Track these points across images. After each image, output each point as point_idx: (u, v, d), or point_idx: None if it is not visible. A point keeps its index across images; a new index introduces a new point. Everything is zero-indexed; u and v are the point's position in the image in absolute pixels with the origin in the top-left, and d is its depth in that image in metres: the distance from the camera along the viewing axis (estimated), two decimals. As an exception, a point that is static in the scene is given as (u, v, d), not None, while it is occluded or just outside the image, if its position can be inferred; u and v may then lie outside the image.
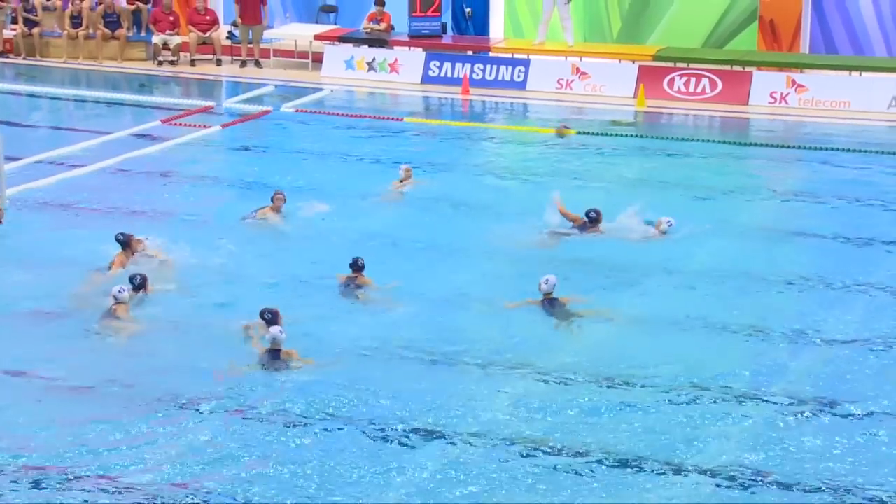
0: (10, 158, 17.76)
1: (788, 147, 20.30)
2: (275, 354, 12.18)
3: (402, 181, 17.62)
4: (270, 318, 12.59)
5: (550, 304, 13.43)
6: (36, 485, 10.12)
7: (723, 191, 18.00)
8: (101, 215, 16.71)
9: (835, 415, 11.33)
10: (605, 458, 10.56)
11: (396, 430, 10.99)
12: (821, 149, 20.04)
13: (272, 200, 16.31)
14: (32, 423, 11.12)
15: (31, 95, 23.98)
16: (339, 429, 11.03)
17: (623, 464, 10.49)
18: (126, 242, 14.58)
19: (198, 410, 11.31)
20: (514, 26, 25.41)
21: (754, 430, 11.07)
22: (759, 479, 10.27)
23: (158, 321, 13.28)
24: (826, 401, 11.58)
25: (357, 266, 14.13)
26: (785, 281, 14.51)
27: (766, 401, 11.57)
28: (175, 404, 11.46)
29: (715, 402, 11.55)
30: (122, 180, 18.28)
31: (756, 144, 20.58)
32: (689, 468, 10.41)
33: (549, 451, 10.70)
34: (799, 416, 11.30)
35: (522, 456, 10.62)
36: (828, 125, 21.62)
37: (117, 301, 13.23)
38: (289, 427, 11.03)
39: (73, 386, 11.90)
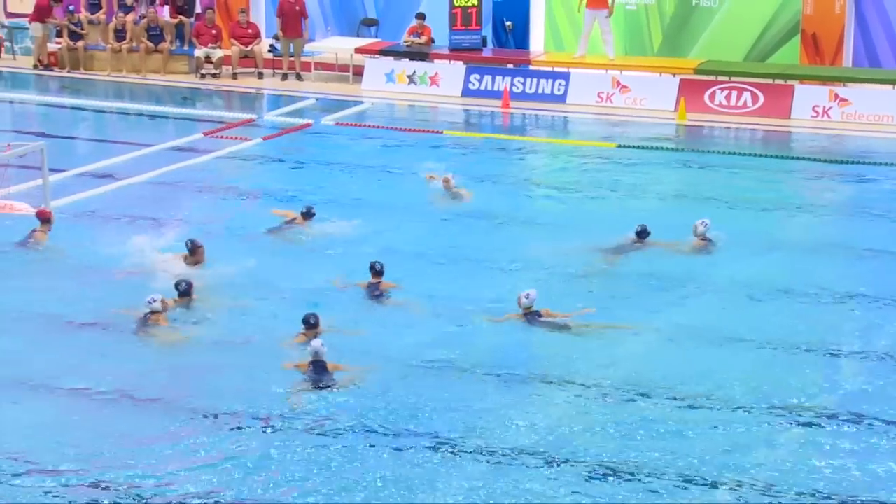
0: (54, 170, 17.93)
1: (831, 161, 20.19)
2: (320, 367, 12.18)
3: (445, 187, 17.65)
4: (314, 322, 12.77)
5: (531, 318, 13.39)
6: (65, 494, 10.19)
7: (764, 205, 17.92)
8: (143, 226, 16.82)
9: (875, 431, 11.24)
10: (636, 472, 10.53)
11: (443, 442, 11.01)
12: (864, 163, 19.91)
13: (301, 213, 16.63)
14: (66, 433, 11.24)
15: (76, 108, 24.20)
16: (386, 441, 11.06)
17: (655, 477, 10.46)
18: (193, 250, 14.93)
19: (249, 423, 11.37)
20: (555, 39, 25.41)
21: (793, 445, 11.00)
22: (794, 495, 10.21)
23: (198, 331, 13.36)
24: (867, 417, 11.49)
25: (375, 270, 14.17)
26: (827, 295, 14.42)
27: (805, 417, 11.49)
28: (214, 415, 11.52)
29: (757, 416, 11.50)
30: (165, 192, 18.41)
31: (798, 158, 20.47)
32: (729, 483, 10.36)
33: (580, 465, 10.68)
34: (839, 432, 11.22)
35: (560, 471, 10.60)
36: (871, 139, 21.48)
37: (152, 311, 13.33)
38: (328, 437, 11.07)
39: (113, 395, 11.98)
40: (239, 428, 11.29)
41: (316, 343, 12.27)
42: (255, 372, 12.36)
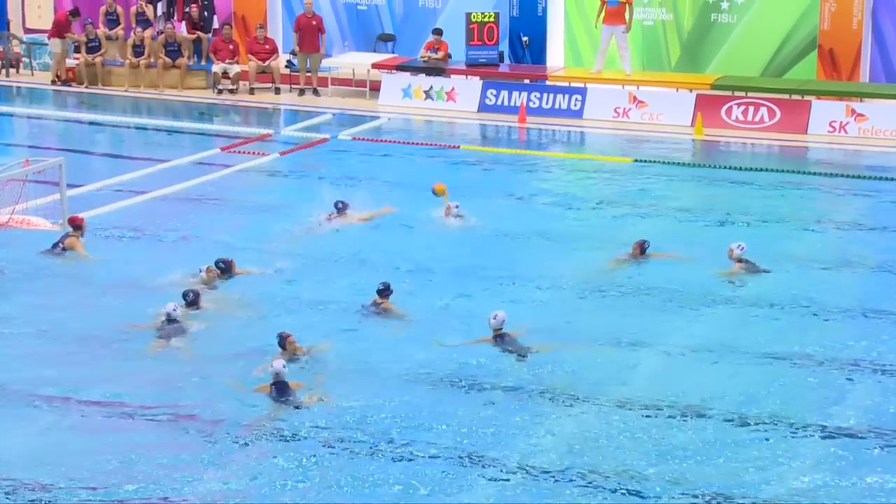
0: (72, 185, 18.00)
1: (848, 176, 20.14)
2: (282, 387, 11.99)
3: (446, 213, 17.51)
4: (280, 342, 12.77)
5: (501, 339, 13.25)
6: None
7: (781, 220, 17.89)
8: (160, 242, 16.89)
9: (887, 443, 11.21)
10: (650, 488, 10.50)
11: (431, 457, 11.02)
12: (881, 178, 19.86)
13: (335, 208, 17.21)
14: (70, 444, 11.28)
15: (93, 123, 24.30)
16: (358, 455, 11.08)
17: (665, 495, 10.43)
18: (227, 268, 15.09)
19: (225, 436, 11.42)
20: (574, 55, 25.43)
21: (810, 462, 10.96)
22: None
23: (205, 341, 13.41)
24: (884, 432, 11.44)
25: (379, 291, 14.10)
26: (844, 311, 14.38)
27: (823, 432, 11.45)
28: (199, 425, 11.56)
29: (770, 432, 11.46)
30: (182, 207, 18.46)
31: (815, 174, 20.43)
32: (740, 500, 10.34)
33: (580, 480, 10.66)
34: (857, 448, 11.18)
35: (557, 487, 10.59)
36: (888, 154, 21.43)
37: (170, 319, 13.40)
38: (297, 456, 11.08)
39: (126, 408, 12.03)
40: (213, 441, 11.30)
41: (277, 364, 12.08)
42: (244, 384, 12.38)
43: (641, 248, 15.79)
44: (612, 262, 15.78)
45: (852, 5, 23.44)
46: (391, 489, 10.49)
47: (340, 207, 17.38)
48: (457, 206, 17.43)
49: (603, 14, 23.94)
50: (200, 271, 14.98)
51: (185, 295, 14.02)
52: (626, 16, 23.87)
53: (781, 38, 24.18)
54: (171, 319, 13.46)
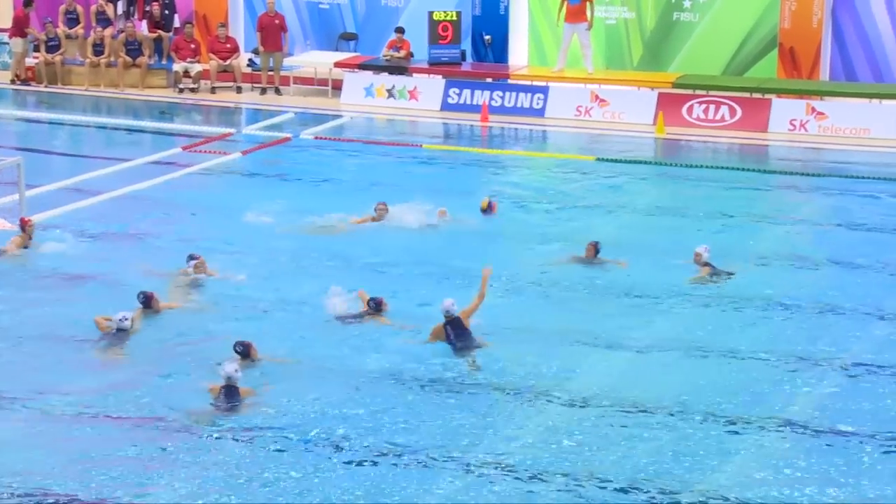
0: (31, 185, 17.86)
1: (808, 175, 20.26)
2: (231, 391, 11.87)
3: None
4: (241, 350, 12.62)
5: (452, 325, 13.22)
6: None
7: (741, 217, 17.97)
8: (121, 242, 16.78)
9: (847, 441, 11.27)
10: (609, 484, 10.53)
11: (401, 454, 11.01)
12: (841, 176, 19.99)
13: (375, 211, 16.99)
14: (28, 448, 11.19)
15: (53, 123, 24.13)
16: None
17: (626, 490, 10.46)
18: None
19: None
20: (539, 53, 25.47)
21: (769, 458, 11.02)
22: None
23: (158, 343, 13.33)
24: (837, 427, 11.51)
25: (370, 306, 13.99)
26: (802, 306, 14.46)
27: (773, 428, 11.52)
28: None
29: (721, 428, 11.51)
30: (143, 207, 18.35)
31: (776, 172, 20.54)
32: (696, 495, 10.37)
33: (544, 478, 10.67)
34: (809, 442, 11.24)
35: (516, 485, 10.60)
36: (848, 152, 21.58)
37: (120, 328, 13.29)
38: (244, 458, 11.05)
39: (73, 410, 11.95)
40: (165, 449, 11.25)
41: (229, 368, 11.94)
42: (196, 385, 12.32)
43: (595, 250, 15.71)
44: (571, 260, 15.78)
45: (812, 4, 23.58)
46: (355, 492, 10.44)
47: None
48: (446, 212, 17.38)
49: (564, 12, 23.97)
50: (189, 262, 14.90)
51: (138, 296, 13.90)
52: (588, 14, 23.91)
53: (742, 37, 24.30)
54: (121, 329, 13.30)
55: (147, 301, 13.93)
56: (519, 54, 25.66)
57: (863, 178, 19.84)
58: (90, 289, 14.94)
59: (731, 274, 15.29)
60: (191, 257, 15.08)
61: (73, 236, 16.95)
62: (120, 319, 13.29)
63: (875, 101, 22.86)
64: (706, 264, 15.31)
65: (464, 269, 15.43)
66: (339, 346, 13.32)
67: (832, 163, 21.04)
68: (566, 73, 24.45)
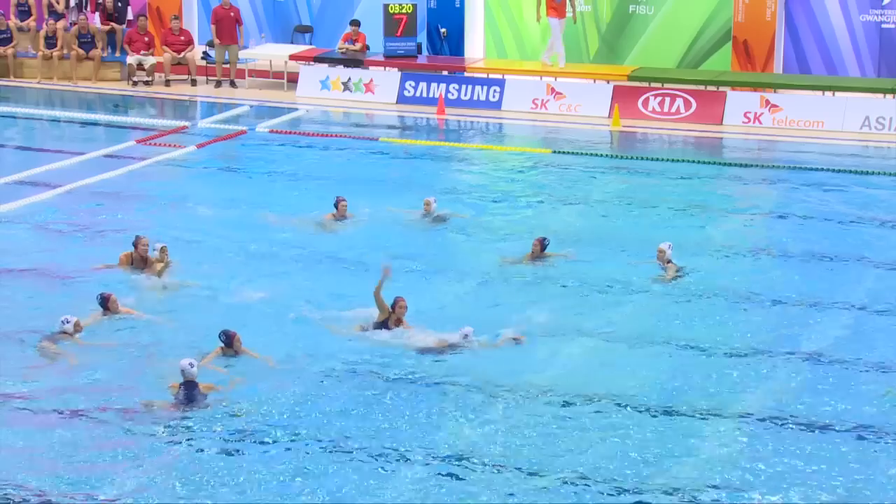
0: (-18, 179, 17.71)
1: (763, 166, 20.39)
2: (191, 387, 11.73)
3: (426, 211, 17.13)
4: (226, 339, 12.55)
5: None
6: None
7: (697, 209, 18.05)
8: (74, 236, 16.64)
9: (810, 432, 11.34)
10: (577, 480, 10.54)
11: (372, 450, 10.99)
12: (795, 168, 20.13)
13: (336, 207, 16.76)
14: None
15: (5, 116, 23.88)
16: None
17: (582, 484, 10.49)
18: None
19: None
20: (497, 46, 25.46)
21: (729, 449, 11.07)
22: (734, 497, 10.27)
23: (114, 342, 13.22)
24: (802, 418, 11.58)
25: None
26: (759, 298, 14.53)
27: (737, 418, 11.57)
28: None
29: (686, 420, 11.55)
30: (97, 200, 18.19)
31: (730, 164, 20.66)
32: (655, 487, 10.41)
33: (505, 472, 10.68)
34: (774, 433, 11.30)
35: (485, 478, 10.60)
36: (801, 144, 21.73)
37: (63, 331, 13.11)
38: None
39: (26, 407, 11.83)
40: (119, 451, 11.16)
41: (183, 363, 11.77)
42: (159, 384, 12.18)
43: (542, 246, 15.65)
44: (523, 254, 15.76)
45: (766, -3, 23.76)
46: (318, 488, 10.40)
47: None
48: (434, 201, 17.23)
49: (544, 7, 23.89)
50: (154, 250, 14.84)
51: (97, 297, 13.74)
52: (568, 9, 23.79)
53: (697, 30, 24.43)
54: (64, 331, 13.11)
55: (104, 302, 13.73)
56: (475, 47, 25.67)
57: (817, 169, 19.98)
58: (42, 283, 14.78)
59: (683, 267, 15.30)
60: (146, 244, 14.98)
61: (26, 230, 16.78)
62: (62, 322, 13.14)
63: (828, 93, 23.04)
64: (670, 261, 15.23)
65: (416, 263, 15.42)
66: (298, 343, 13.26)
67: (786, 153, 21.18)
68: (523, 66, 24.48)
